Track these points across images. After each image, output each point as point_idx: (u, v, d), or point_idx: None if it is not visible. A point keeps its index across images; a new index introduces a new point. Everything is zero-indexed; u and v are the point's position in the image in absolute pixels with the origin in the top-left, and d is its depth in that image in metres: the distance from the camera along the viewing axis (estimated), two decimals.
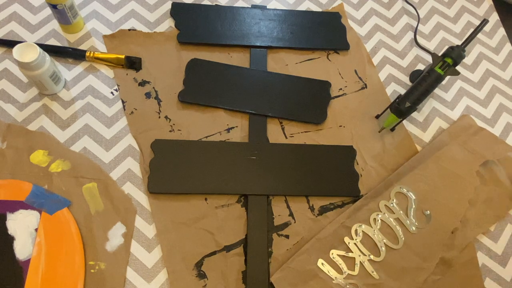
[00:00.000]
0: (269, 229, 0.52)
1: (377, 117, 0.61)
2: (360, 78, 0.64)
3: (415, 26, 0.69)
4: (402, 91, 0.64)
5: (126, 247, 0.50)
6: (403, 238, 0.52)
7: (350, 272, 0.50)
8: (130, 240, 0.50)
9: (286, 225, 0.53)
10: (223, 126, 0.58)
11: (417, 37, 0.68)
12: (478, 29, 0.55)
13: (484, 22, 0.51)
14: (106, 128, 0.56)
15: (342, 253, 0.51)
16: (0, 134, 0.54)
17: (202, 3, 0.67)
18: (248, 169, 0.55)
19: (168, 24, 0.65)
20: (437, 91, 0.64)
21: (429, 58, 0.67)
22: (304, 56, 0.64)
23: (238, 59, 0.63)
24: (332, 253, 0.51)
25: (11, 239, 0.48)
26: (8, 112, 0.56)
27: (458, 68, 0.67)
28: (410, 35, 0.68)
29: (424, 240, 0.53)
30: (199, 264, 0.50)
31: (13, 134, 0.54)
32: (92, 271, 0.48)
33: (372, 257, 0.51)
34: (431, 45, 0.68)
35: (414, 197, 0.55)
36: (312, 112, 0.60)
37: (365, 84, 0.63)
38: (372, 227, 0.53)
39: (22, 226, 0.49)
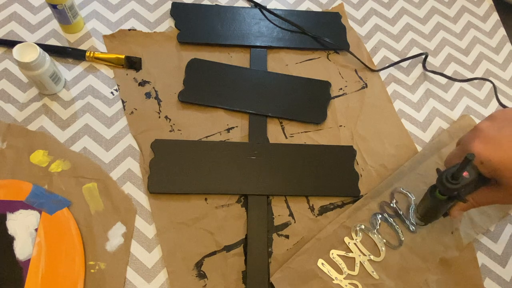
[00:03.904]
0: (269, 229, 0.52)
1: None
2: (360, 77, 0.64)
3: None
4: (402, 91, 0.64)
5: (126, 247, 0.50)
6: (403, 238, 0.52)
7: (350, 272, 0.50)
8: (130, 240, 0.50)
9: (286, 225, 0.53)
10: (223, 126, 0.58)
11: (417, 37, 0.68)
12: (463, 165, 0.41)
13: (470, 157, 0.39)
14: (106, 128, 0.56)
15: (342, 253, 0.51)
16: (0, 134, 0.54)
17: (202, 3, 0.67)
18: (248, 169, 0.55)
19: (168, 24, 0.65)
20: (437, 91, 0.64)
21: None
22: (304, 56, 0.64)
23: (238, 59, 0.63)
24: (332, 253, 0.51)
25: (11, 239, 0.48)
26: (8, 112, 0.56)
27: (457, 68, 0.66)
28: (410, 35, 0.68)
29: (424, 240, 0.53)
30: (199, 264, 0.50)
31: (13, 134, 0.54)
32: (92, 271, 0.48)
33: (372, 257, 0.51)
34: (431, 45, 0.68)
35: (414, 197, 0.55)
36: (312, 112, 0.60)
37: (365, 84, 0.63)
38: (372, 227, 0.53)
39: (22, 226, 0.49)
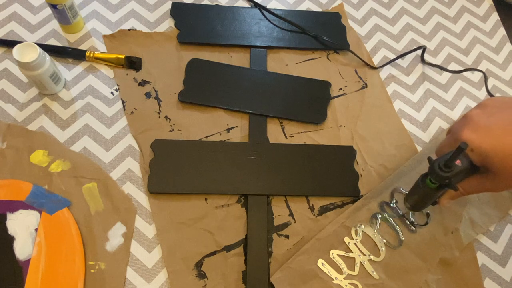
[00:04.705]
0: (269, 229, 0.52)
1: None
2: (360, 77, 0.64)
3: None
4: (402, 91, 0.64)
5: (126, 247, 0.50)
6: (403, 238, 0.52)
7: (350, 272, 0.50)
8: (130, 240, 0.50)
9: (286, 225, 0.53)
10: (223, 126, 0.58)
11: (417, 37, 0.68)
12: (456, 153, 0.40)
13: (463, 146, 0.39)
14: (106, 128, 0.56)
15: (342, 253, 0.51)
16: (0, 134, 0.54)
17: (202, 3, 0.67)
18: (248, 169, 0.55)
19: (168, 24, 0.65)
20: (436, 90, 0.64)
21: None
22: (304, 56, 0.65)
23: (238, 59, 0.63)
24: (332, 253, 0.51)
25: (11, 239, 0.48)
26: (8, 112, 0.56)
27: (457, 68, 0.67)
28: (410, 35, 0.69)
29: (424, 240, 0.53)
30: (199, 264, 0.50)
31: (13, 134, 0.54)
32: (92, 271, 0.48)
33: (372, 257, 0.51)
34: (431, 45, 0.68)
35: None
36: (312, 112, 0.60)
37: (365, 84, 0.63)
38: (372, 227, 0.53)
39: (22, 226, 0.49)
